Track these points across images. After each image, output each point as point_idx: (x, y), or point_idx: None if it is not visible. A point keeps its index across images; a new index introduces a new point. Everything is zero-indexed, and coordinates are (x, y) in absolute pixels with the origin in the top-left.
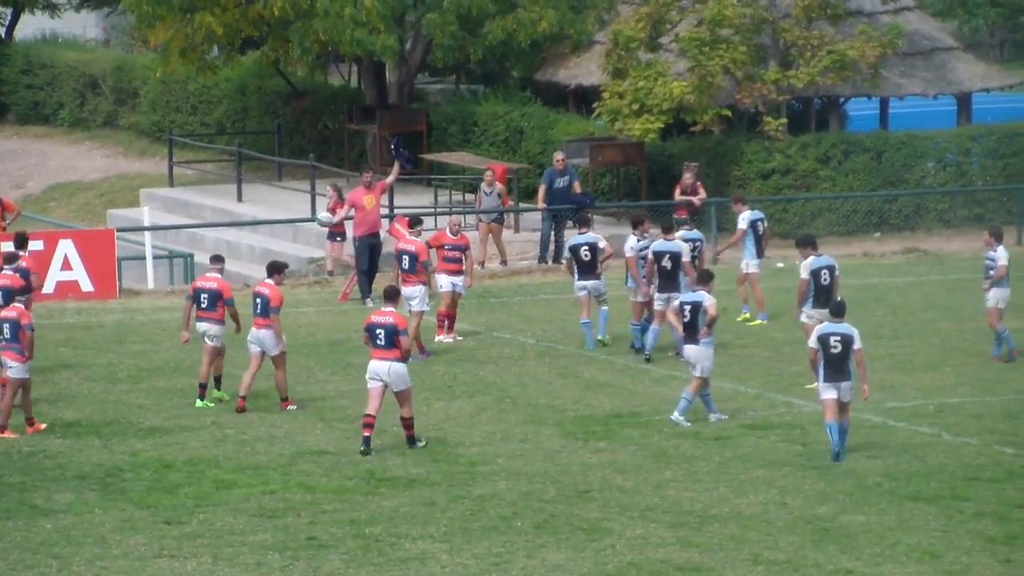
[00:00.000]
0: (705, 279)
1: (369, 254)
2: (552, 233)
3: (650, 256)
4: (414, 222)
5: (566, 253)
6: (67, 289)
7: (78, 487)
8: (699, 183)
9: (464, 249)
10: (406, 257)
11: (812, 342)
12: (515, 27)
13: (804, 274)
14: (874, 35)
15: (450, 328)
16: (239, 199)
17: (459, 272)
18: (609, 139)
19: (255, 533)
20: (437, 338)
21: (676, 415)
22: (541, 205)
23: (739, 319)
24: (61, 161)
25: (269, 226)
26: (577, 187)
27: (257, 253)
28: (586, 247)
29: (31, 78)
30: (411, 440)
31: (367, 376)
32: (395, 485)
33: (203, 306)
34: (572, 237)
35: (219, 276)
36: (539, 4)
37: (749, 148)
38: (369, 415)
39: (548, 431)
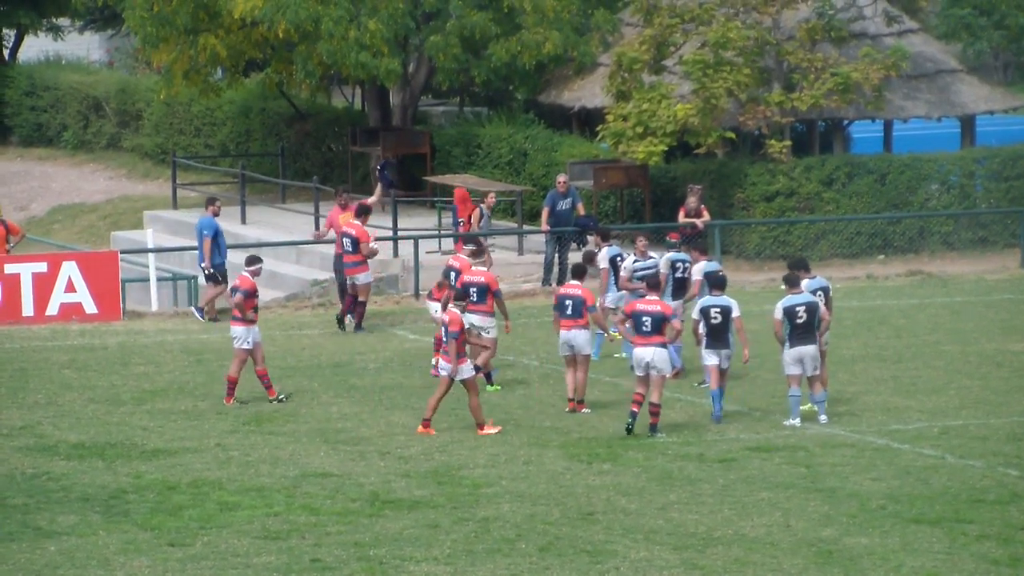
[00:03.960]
0: (796, 282)
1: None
2: (556, 255)
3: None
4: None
5: (607, 264)
6: (71, 311)
7: (82, 509)
8: (703, 206)
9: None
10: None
11: (695, 313)
12: (519, 49)
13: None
14: (878, 57)
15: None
16: (243, 221)
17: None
18: (613, 161)
19: (259, 555)
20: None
21: (794, 420)
22: (544, 227)
23: None
24: (65, 183)
25: (273, 248)
26: (580, 209)
27: (261, 275)
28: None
29: (35, 100)
30: (652, 428)
31: (633, 367)
32: (399, 507)
33: (473, 300)
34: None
35: (485, 269)
36: (543, 26)
37: (753, 170)
38: (639, 392)
39: (552, 453)
